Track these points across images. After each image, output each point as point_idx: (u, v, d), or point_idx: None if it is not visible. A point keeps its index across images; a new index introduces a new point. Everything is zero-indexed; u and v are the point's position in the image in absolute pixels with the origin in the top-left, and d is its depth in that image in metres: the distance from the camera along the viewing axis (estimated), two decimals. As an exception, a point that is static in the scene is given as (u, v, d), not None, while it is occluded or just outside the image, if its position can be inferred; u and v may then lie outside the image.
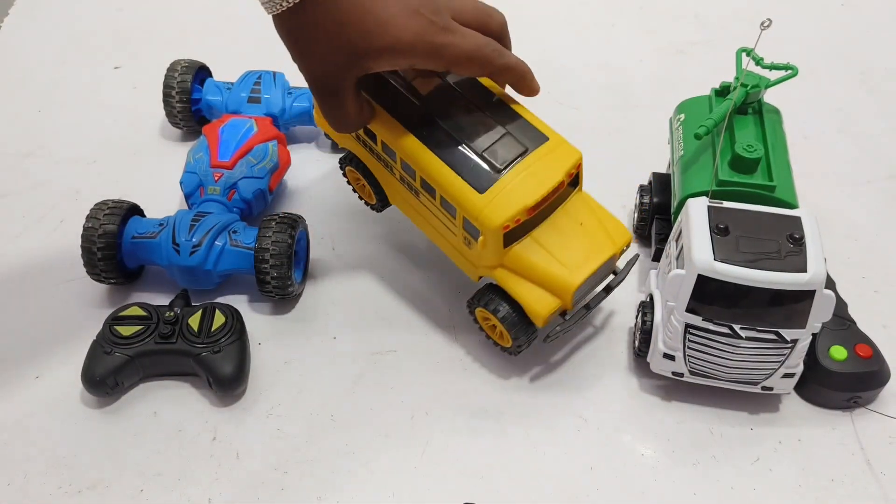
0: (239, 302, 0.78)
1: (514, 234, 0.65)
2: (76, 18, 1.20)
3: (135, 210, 0.79)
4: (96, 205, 0.77)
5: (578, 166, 0.66)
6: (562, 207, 0.67)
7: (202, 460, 0.67)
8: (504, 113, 0.68)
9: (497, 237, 0.64)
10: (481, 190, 0.63)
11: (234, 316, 0.72)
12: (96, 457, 0.67)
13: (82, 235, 0.75)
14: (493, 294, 0.69)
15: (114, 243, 0.75)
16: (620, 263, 0.72)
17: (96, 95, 1.06)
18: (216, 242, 0.75)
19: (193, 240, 0.75)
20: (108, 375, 0.68)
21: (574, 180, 0.68)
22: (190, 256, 0.74)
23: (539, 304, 0.65)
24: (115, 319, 0.70)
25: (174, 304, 0.73)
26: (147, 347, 0.69)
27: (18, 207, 0.89)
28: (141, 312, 0.71)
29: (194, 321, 0.71)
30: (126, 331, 0.70)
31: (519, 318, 0.67)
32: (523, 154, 0.65)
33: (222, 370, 0.69)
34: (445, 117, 0.67)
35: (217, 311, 0.72)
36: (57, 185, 0.92)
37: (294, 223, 0.76)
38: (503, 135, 0.66)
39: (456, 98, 0.68)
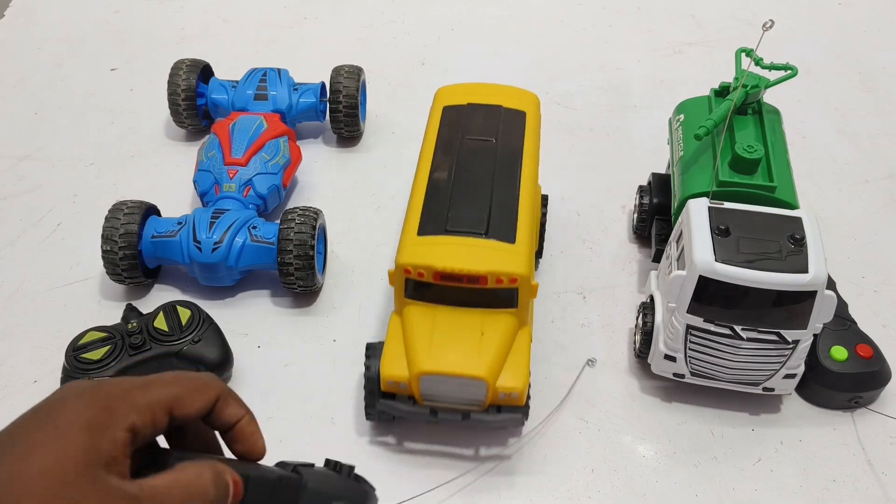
0: (252, 299, 0.79)
1: (418, 290, 0.63)
2: (72, 21, 1.19)
3: (152, 210, 0.79)
4: (114, 205, 0.77)
5: (513, 281, 0.62)
6: (483, 311, 0.64)
7: (202, 464, 0.66)
8: (508, 192, 0.67)
9: (399, 275, 0.63)
10: (420, 232, 0.64)
11: (196, 307, 0.72)
12: (96, 461, 0.66)
13: (102, 236, 0.75)
14: (374, 349, 0.66)
15: (135, 243, 0.75)
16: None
17: (93, 98, 1.05)
18: (237, 239, 0.76)
19: (214, 237, 0.75)
20: None
21: (509, 297, 0.63)
22: (212, 253, 0.74)
23: (390, 365, 0.62)
24: (76, 350, 0.69)
25: (129, 318, 0.72)
26: (124, 363, 0.68)
27: (16, 210, 0.89)
28: (100, 334, 0.69)
29: (160, 323, 0.70)
30: (94, 355, 0.68)
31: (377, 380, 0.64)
32: (478, 234, 0.64)
33: (210, 356, 0.69)
34: (464, 159, 0.69)
35: (178, 307, 0.71)
36: (54, 188, 0.92)
37: (315, 216, 0.76)
38: (481, 208, 0.65)
39: (488, 152, 0.70)
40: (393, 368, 0.62)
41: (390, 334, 0.64)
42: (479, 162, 0.69)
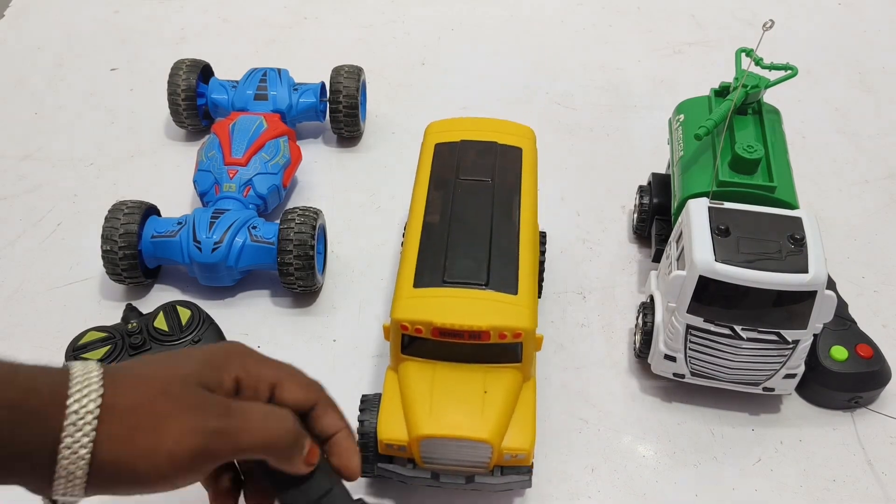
0: (252, 299, 0.79)
1: (415, 346, 0.60)
2: (72, 21, 1.19)
3: (152, 210, 0.80)
4: (114, 205, 0.77)
5: (517, 335, 0.58)
6: (485, 367, 0.60)
7: (202, 464, 0.66)
8: (508, 237, 0.64)
9: (395, 331, 0.60)
10: (416, 284, 0.61)
11: (196, 307, 0.72)
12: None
13: (102, 236, 0.75)
14: (370, 402, 0.62)
15: (135, 243, 0.75)
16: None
17: (93, 98, 1.05)
18: (237, 238, 0.76)
19: (214, 237, 0.75)
20: None
21: (512, 351, 0.60)
22: (212, 253, 0.74)
23: (387, 427, 0.58)
24: (76, 350, 0.68)
25: (129, 318, 0.72)
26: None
27: (16, 210, 0.89)
28: (100, 334, 0.69)
29: (160, 323, 0.70)
30: (94, 355, 0.68)
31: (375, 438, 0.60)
32: (478, 285, 0.60)
33: None
34: (460, 202, 0.66)
35: (178, 307, 0.71)
36: (54, 188, 0.92)
37: (315, 216, 0.76)
38: (480, 257, 0.62)
39: (485, 193, 0.67)
40: (391, 431, 0.58)
41: (387, 393, 0.60)
42: (475, 205, 0.66)
